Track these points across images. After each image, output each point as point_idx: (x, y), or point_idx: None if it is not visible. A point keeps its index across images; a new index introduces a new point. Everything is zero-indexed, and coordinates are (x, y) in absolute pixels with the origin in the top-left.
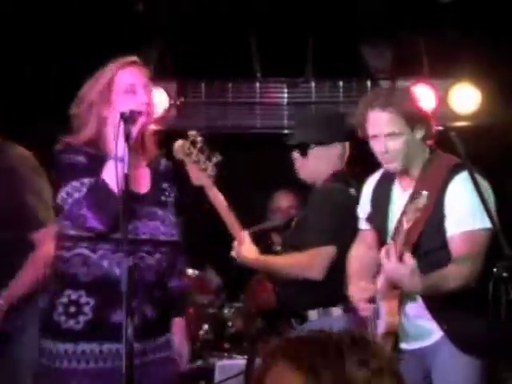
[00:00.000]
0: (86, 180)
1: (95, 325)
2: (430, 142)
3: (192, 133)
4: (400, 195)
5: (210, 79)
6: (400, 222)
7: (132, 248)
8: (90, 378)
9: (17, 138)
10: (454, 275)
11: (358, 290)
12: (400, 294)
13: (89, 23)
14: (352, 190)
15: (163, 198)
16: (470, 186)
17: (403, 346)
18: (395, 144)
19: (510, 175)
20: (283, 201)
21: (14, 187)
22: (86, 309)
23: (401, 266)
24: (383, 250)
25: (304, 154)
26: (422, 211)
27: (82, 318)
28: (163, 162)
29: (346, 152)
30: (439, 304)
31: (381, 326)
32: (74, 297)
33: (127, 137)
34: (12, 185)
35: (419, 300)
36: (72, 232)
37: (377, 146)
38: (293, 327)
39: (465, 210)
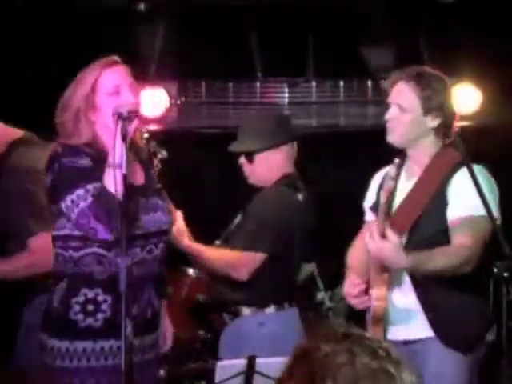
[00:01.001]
0: (90, 187)
1: (113, 322)
2: (448, 140)
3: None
4: (404, 184)
5: (211, 79)
6: (381, 199)
7: (142, 242)
8: (108, 374)
9: None
10: (447, 254)
11: (348, 285)
12: (388, 278)
13: (89, 22)
14: (299, 195)
15: (157, 185)
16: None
17: (389, 336)
18: (400, 117)
19: (511, 175)
20: None
21: (7, 194)
22: (104, 306)
23: (384, 243)
24: (366, 232)
25: (250, 160)
26: (394, 180)
27: (100, 316)
28: (144, 149)
29: (294, 153)
30: (429, 295)
31: (369, 312)
32: (90, 295)
33: (124, 136)
34: (5, 192)
35: (408, 288)
36: (80, 233)
37: (386, 113)
38: (224, 322)
39: (468, 198)
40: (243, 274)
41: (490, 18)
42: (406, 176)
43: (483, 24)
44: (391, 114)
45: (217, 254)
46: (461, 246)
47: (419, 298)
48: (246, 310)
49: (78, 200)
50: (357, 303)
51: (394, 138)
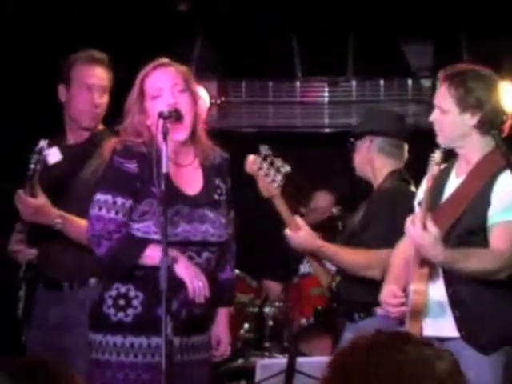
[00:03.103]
0: (119, 201)
1: (144, 318)
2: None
3: (264, 147)
4: (452, 182)
5: (251, 78)
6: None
7: (180, 249)
8: (137, 371)
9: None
10: (482, 258)
11: (387, 294)
12: (429, 273)
13: (131, 22)
14: (412, 187)
15: (216, 196)
16: None
17: (424, 332)
18: (441, 118)
19: None
20: (323, 201)
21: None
22: (135, 302)
23: (425, 233)
24: (409, 219)
25: (365, 144)
26: (438, 165)
27: (130, 311)
28: (219, 154)
29: (404, 153)
30: (459, 292)
31: (408, 306)
32: (122, 290)
33: (165, 135)
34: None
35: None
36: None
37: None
38: (354, 321)
39: (510, 201)
40: (378, 274)
41: None
42: (456, 174)
43: None
44: (433, 116)
45: (351, 254)
46: (499, 252)
47: (448, 294)
48: (379, 310)
49: (100, 204)
50: (393, 311)
51: (440, 139)
